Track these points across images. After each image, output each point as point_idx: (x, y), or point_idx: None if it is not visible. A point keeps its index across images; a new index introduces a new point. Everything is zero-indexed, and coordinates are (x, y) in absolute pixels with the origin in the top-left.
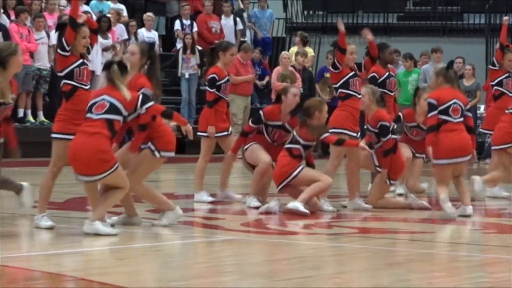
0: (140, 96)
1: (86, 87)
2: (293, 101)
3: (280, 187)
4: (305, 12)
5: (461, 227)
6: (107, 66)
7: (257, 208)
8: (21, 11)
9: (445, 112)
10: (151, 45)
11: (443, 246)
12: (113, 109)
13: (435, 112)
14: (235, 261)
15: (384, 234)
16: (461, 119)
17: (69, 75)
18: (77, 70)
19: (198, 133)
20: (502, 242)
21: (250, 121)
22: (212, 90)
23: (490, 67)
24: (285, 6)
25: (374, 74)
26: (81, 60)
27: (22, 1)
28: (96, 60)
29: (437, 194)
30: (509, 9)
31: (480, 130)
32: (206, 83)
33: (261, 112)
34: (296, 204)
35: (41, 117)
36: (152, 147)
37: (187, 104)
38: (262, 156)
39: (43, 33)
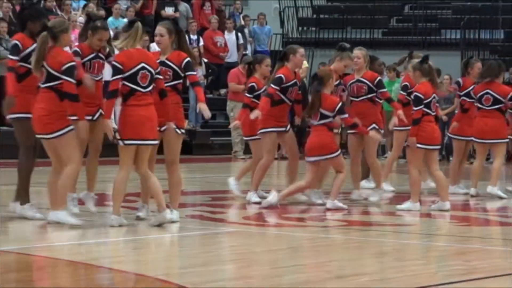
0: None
1: (97, 78)
2: (301, 61)
3: (314, 159)
4: (300, 28)
5: (439, 220)
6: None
7: (257, 203)
8: None
9: (427, 105)
10: (174, 21)
11: (423, 237)
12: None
13: (422, 106)
14: (237, 251)
15: (371, 226)
16: (434, 112)
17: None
18: (87, 63)
19: (251, 137)
20: (476, 233)
21: (272, 84)
22: (250, 96)
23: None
24: (281, 23)
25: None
26: (94, 54)
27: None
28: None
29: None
30: (482, 25)
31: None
32: (247, 90)
33: (281, 75)
34: (335, 203)
35: None
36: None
37: (194, 110)
38: (271, 153)
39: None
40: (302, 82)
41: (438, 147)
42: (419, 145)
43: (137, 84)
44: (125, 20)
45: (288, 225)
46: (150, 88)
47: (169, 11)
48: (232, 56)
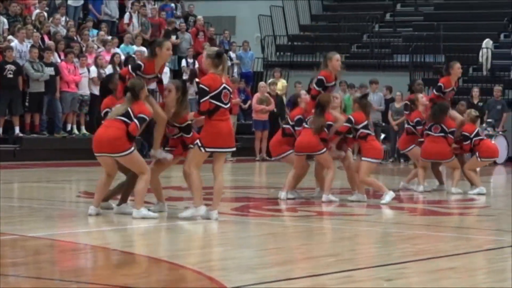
0: None
1: None
2: (337, 65)
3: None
4: (278, 53)
5: (394, 211)
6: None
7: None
8: (69, 52)
9: (364, 127)
10: (184, 80)
11: (380, 225)
12: None
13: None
14: (226, 236)
15: (336, 216)
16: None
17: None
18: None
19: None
20: (423, 221)
21: (315, 85)
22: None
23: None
24: (262, 49)
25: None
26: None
27: (69, 45)
28: None
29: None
30: (427, 51)
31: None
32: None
33: (322, 77)
34: (329, 197)
35: (83, 130)
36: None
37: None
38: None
39: (85, 69)
40: (279, 97)
41: (380, 160)
42: (366, 159)
43: (221, 102)
44: (135, 46)
45: (268, 215)
46: (229, 105)
47: (173, 39)
48: None
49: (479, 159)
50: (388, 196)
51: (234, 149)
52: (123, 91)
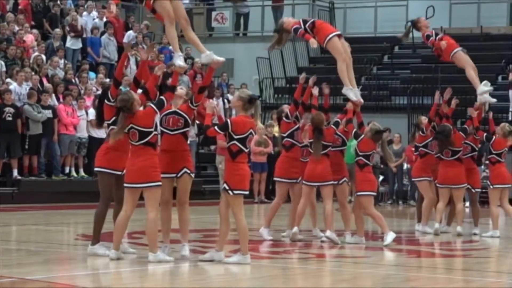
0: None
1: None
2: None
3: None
4: (276, 95)
5: (393, 253)
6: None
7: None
8: (67, 95)
9: (366, 157)
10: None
11: (379, 267)
12: None
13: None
14: (222, 279)
15: (333, 258)
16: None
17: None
18: None
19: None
20: (422, 263)
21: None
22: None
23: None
24: (260, 91)
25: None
26: None
27: (67, 87)
28: None
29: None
30: (425, 93)
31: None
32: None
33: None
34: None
35: (82, 172)
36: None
37: None
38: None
39: (83, 111)
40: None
41: (375, 193)
42: (363, 193)
43: (245, 146)
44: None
45: (266, 257)
46: (248, 149)
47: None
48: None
49: (491, 187)
50: (390, 237)
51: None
52: (116, 112)
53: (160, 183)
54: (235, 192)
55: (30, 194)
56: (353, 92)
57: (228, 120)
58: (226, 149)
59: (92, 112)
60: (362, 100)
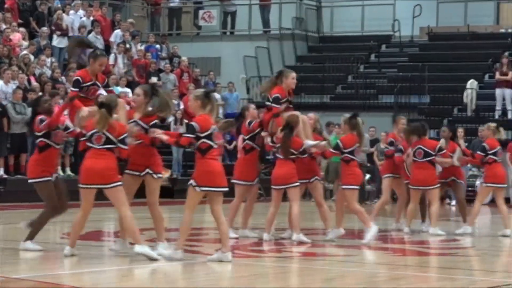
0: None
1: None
2: (292, 83)
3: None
4: (263, 94)
5: (379, 251)
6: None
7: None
8: (54, 94)
9: (350, 152)
10: (153, 85)
11: (365, 266)
12: None
13: (339, 151)
14: (210, 278)
15: (320, 257)
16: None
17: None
18: (85, 88)
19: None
20: (408, 262)
21: (273, 103)
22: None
23: None
24: (247, 90)
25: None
26: (92, 82)
27: (54, 86)
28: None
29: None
30: (412, 91)
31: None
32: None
33: (277, 94)
34: (300, 236)
35: (68, 171)
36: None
37: (177, 162)
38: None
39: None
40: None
41: (359, 187)
42: (348, 186)
43: (212, 141)
44: (119, 87)
45: (253, 256)
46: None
47: (154, 79)
48: None
49: (484, 185)
50: (370, 233)
51: (227, 189)
52: (98, 106)
53: (119, 183)
54: (203, 188)
55: (16, 192)
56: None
57: (192, 123)
58: (196, 149)
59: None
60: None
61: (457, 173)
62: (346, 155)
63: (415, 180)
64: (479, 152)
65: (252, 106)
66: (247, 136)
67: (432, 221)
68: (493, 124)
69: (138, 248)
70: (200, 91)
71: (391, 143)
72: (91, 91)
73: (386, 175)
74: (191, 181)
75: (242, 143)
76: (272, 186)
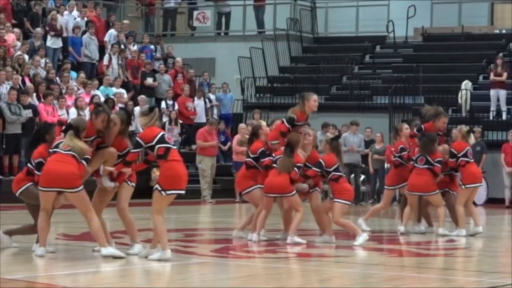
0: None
1: None
2: (314, 106)
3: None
4: (257, 95)
5: (374, 252)
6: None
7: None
8: (48, 94)
9: (336, 170)
10: (126, 109)
11: (359, 266)
12: None
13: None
14: (205, 278)
15: (315, 257)
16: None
17: None
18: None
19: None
20: (403, 262)
21: (286, 122)
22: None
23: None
24: (242, 90)
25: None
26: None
27: (49, 86)
28: None
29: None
30: (406, 92)
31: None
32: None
33: (293, 116)
34: (294, 239)
35: None
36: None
37: None
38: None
39: (64, 111)
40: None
41: (350, 203)
42: (339, 200)
43: (167, 143)
44: (114, 88)
45: (247, 257)
46: (176, 147)
47: (150, 81)
48: (201, 118)
49: (463, 187)
50: (361, 238)
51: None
52: (64, 130)
53: (80, 188)
54: (168, 192)
55: (11, 193)
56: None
57: (137, 138)
58: (155, 157)
59: (73, 112)
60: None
61: (452, 185)
62: (334, 173)
63: (413, 186)
64: (450, 160)
65: (263, 123)
66: (255, 154)
67: (440, 222)
68: (465, 128)
69: (104, 251)
70: (145, 107)
71: (402, 150)
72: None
73: (391, 187)
74: (156, 185)
75: (247, 157)
76: (265, 194)
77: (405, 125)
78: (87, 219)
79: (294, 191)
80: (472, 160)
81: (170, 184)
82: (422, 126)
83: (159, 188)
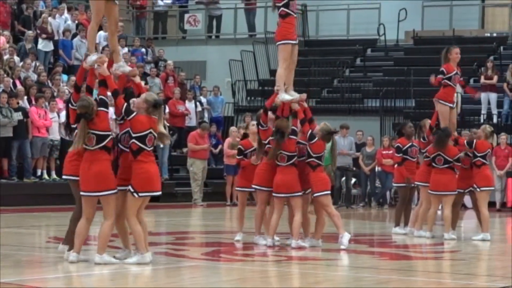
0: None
1: None
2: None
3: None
4: (248, 98)
5: (364, 255)
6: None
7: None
8: (40, 97)
9: (319, 158)
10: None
11: (351, 270)
12: None
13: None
14: (196, 281)
15: (307, 261)
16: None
17: None
18: None
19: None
20: (394, 266)
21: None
22: None
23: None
24: (233, 93)
25: (399, 144)
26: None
27: (40, 89)
28: None
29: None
30: (397, 95)
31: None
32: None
33: (443, 68)
34: (299, 242)
35: (54, 175)
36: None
37: (162, 165)
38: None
39: (55, 114)
40: None
41: (330, 191)
42: (320, 193)
43: (145, 144)
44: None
45: (239, 260)
46: (152, 148)
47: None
48: (192, 121)
49: (478, 189)
50: (345, 238)
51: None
52: (77, 119)
53: (115, 191)
54: (141, 194)
55: (1, 197)
56: (288, 95)
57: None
58: (128, 149)
59: (64, 115)
60: (303, 95)
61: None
62: (313, 159)
63: (435, 186)
64: (467, 146)
65: (253, 122)
66: (267, 140)
67: (446, 226)
68: (490, 128)
69: (97, 259)
70: (153, 96)
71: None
72: None
73: (423, 183)
74: (129, 187)
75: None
76: (274, 194)
77: (428, 121)
78: (104, 222)
79: (301, 192)
80: (488, 163)
81: (142, 186)
82: (443, 69)
83: (132, 190)
